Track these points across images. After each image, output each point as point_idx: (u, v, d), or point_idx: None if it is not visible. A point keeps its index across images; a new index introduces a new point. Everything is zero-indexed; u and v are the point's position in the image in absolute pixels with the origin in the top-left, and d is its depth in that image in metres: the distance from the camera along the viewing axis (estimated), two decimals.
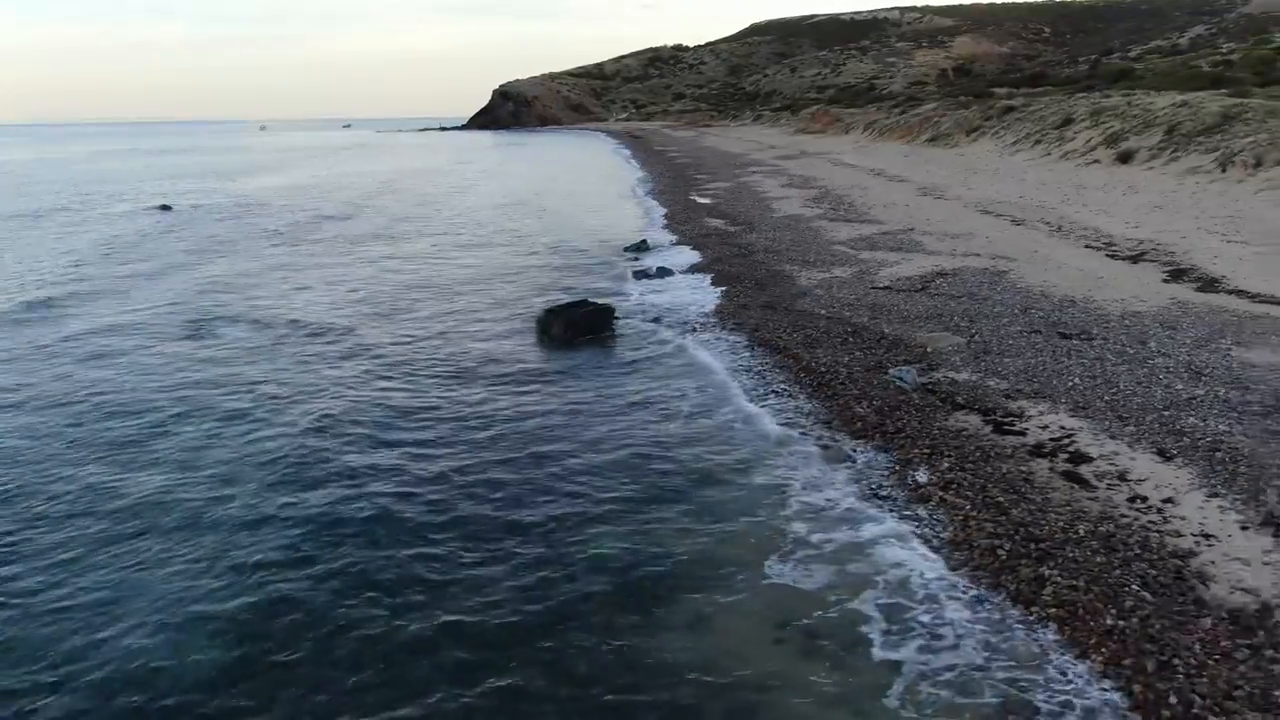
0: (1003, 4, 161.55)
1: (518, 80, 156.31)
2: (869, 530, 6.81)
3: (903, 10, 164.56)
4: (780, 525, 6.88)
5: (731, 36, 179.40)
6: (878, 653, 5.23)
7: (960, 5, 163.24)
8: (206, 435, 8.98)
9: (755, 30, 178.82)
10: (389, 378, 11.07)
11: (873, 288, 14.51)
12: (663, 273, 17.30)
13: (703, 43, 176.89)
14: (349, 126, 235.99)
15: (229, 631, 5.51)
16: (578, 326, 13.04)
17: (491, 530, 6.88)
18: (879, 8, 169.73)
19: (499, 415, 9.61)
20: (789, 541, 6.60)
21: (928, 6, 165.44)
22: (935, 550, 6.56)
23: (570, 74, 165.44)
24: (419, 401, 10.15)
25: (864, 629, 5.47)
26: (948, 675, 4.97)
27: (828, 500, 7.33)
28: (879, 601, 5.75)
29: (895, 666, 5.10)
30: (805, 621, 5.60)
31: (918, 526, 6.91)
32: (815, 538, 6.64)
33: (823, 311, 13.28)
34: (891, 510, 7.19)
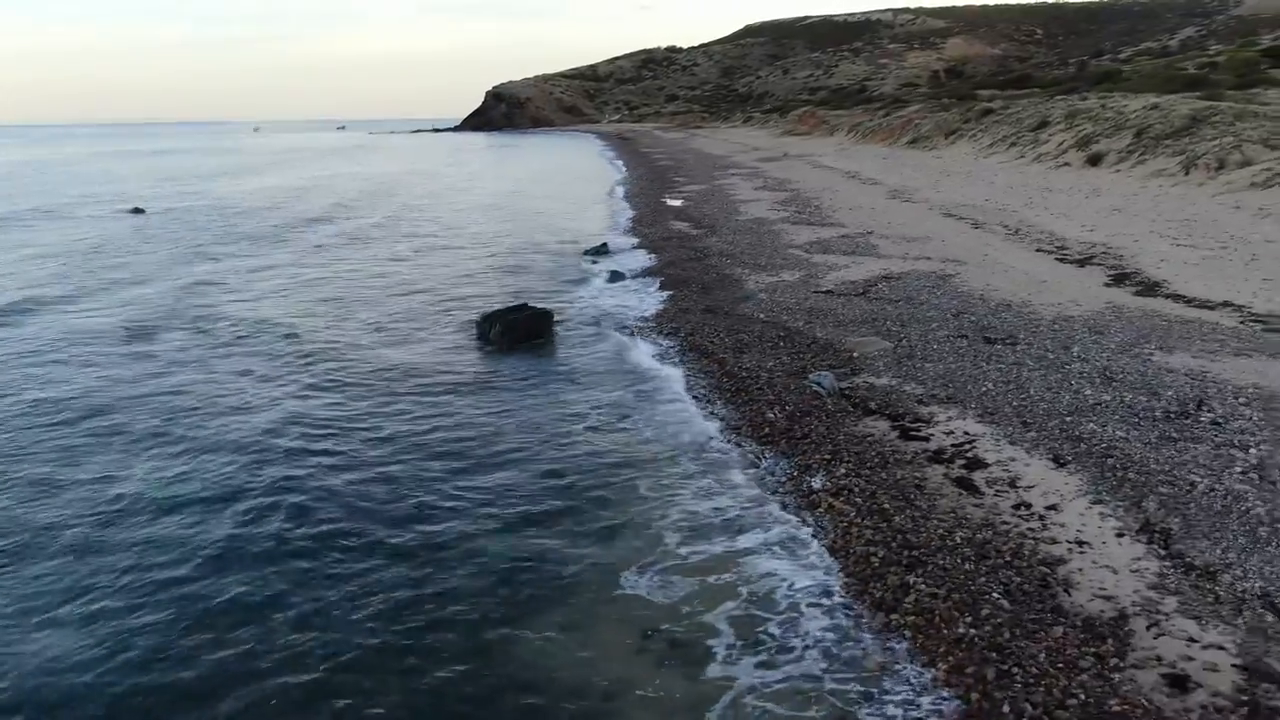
0: (995, 6, 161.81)
1: (511, 82, 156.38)
2: (749, 539, 6.81)
3: (895, 12, 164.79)
4: (659, 535, 6.87)
5: (725, 38, 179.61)
6: (715, 668, 5.20)
7: (953, 7, 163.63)
8: (104, 450, 8.86)
9: (749, 32, 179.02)
10: (312, 387, 11.00)
11: (814, 292, 14.53)
12: (615, 276, 17.32)
13: (696, 44, 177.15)
14: (343, 128, 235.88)
15: (70, 661, 5.42)
16: (516, 331, 13.04)
17: (369, 545, 6.82)
18: (872, 9, 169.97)
19: (410, 425, 9.55)
20: (660, 552, 6.58)
21: (921, 8, 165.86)
22: (811, 559, 6.57)
23: (563, 75, 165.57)
24: (333, 412, 10.06)
25: (711, 642, 5.45)
26: (779, 688, 4.95)
27: (715, 509, 7.32)
28: (734, 614, 5.72)
29: (729, 681, 5.07)
30: (655, 635, 5.57)
31: (799, 535, 6.92)
32: (688, 549, 6.62)
33: (761, 315, 13.29)
34: (777, 519, 7.19)
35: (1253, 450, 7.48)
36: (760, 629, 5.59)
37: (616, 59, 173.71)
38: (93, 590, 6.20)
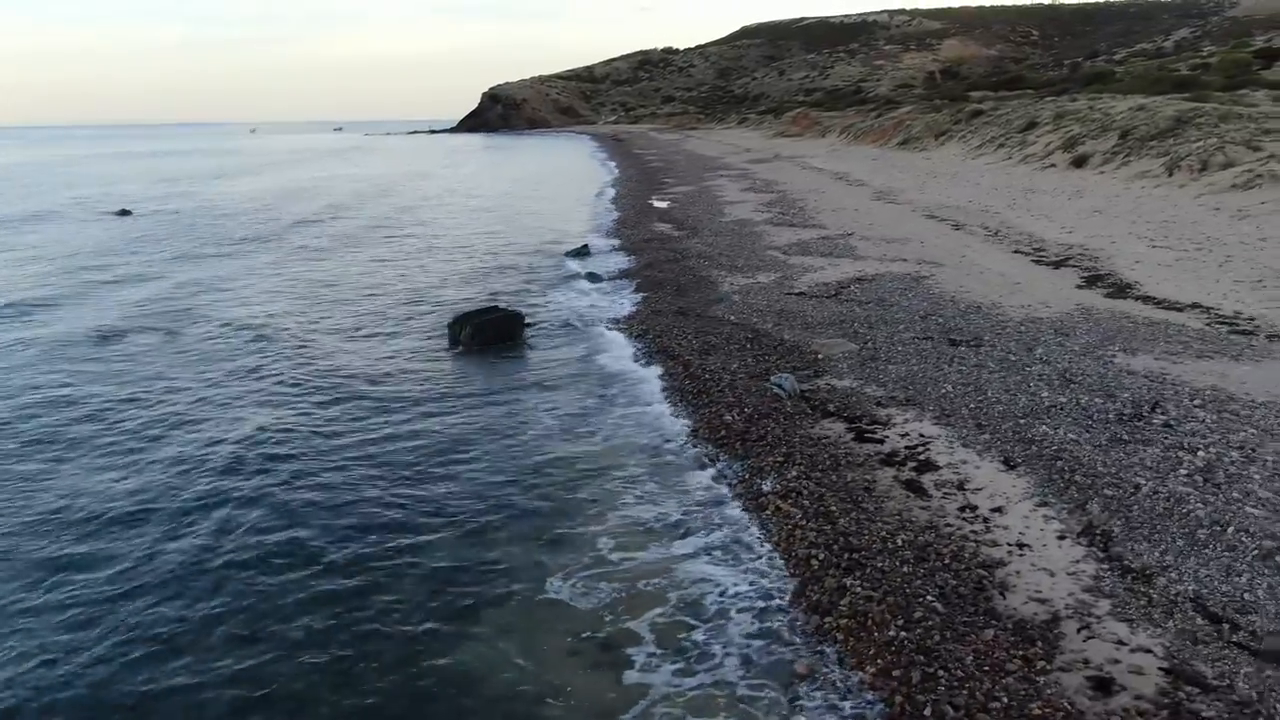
0: (991, 7, 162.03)
1: (507, 83, 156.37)
2: (688, 544, 6.80)
3: (891, 13, 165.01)
4: (601, 541, 6.84)
5: (721, 39, 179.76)
6: (632, 675, 5.19)
7: (949, 8, 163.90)
8: (40, 457, 8.79)
9: (745, 33, 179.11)
10: (269, 391, 10.90)
11: (787, 294, 14.52)
12: (592, 278, 17.31)
13: (693, 45, 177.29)
14: (340, 129, 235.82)
15: None
16: (486, 333, 13.03)
17: (301, 551, 6.78)
18: (868, 11, 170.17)
19: (363, 429, 9.48)
20: (599, 559, 6.55)
21: (916, 9, 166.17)
22: (753, 564, 6.56)
23: (560, 77, 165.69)
24: (287, 417, 9.91)
25: (630, 650, 5.43)
26: (692, 695, 4.94)
27: (660, 514, 7.31)
28: (660, 620, 5.70)
29: (643, 689, 5.05)
30: (585, 642, 5.57)
31: (744, 538, 6.90)
32: (627, 554, 6.60)
33: (732, 318, 13.28)
34: (723, 523, 7.17)
35: (1201, 453, 7.48)
36: (683, 636, 5.57)
37: (613, 60, 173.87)
38: (5, 602, 6.16)
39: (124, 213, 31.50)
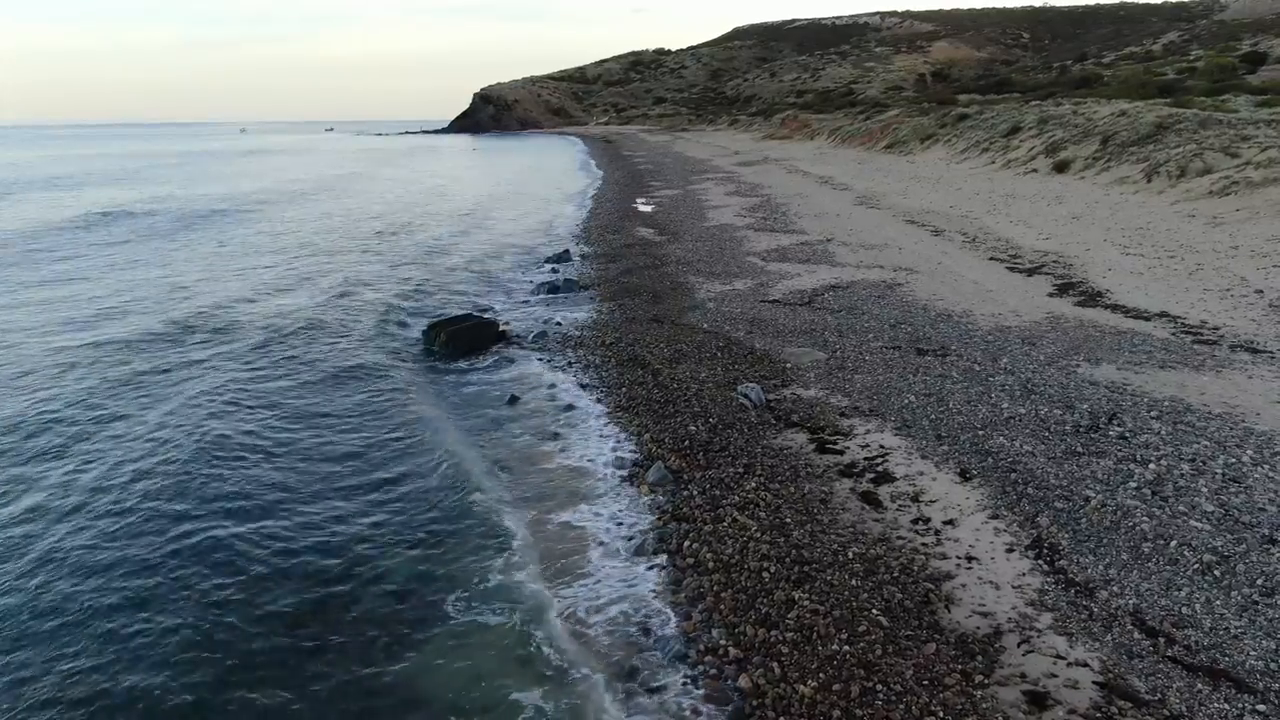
0: (982, 9, 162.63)
1: (499, 84, 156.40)
2: (641, 560, 6.87)
3: (883, 15, 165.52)
4: (542, 555, 6.94)
5: (713, 41, 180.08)
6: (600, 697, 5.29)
7: (940, 11, 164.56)
8: None
9: (737, 35, 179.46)
10: (227, 392, 10.98)
11: (761, 301, 14.60)
12: (569, 285, 17.35)
13: (685, 47, 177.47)
14: (331, 129, 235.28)
15: None
16: (460, 341, 13.08)
17: (249, 560, 6.88)
18: (860, 13, 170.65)
19: (315, 434, 9.58)
20: (537, 573, 6.65)
21: (908, 11, 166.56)
22: (696, 575, 6.62)
23: (552, 78, 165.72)
24: (242, 419, 10.03)
25: (586, 671, 5.53)
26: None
27: (619, 525, 7.39)
28: (606, 633, 5.80)
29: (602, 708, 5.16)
30: (518, 656, 5.66)
31: (694, 548, 6.95)
32: (571, 571, 6.70)
33: (705, 325, 13.35)
34: (667, 538, 7.21)
35: (1152, 465, 7.57)
36: (633, 651, 5.66)
37: (605, 61, 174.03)
38: None
39: (105, 214, 31.32)
